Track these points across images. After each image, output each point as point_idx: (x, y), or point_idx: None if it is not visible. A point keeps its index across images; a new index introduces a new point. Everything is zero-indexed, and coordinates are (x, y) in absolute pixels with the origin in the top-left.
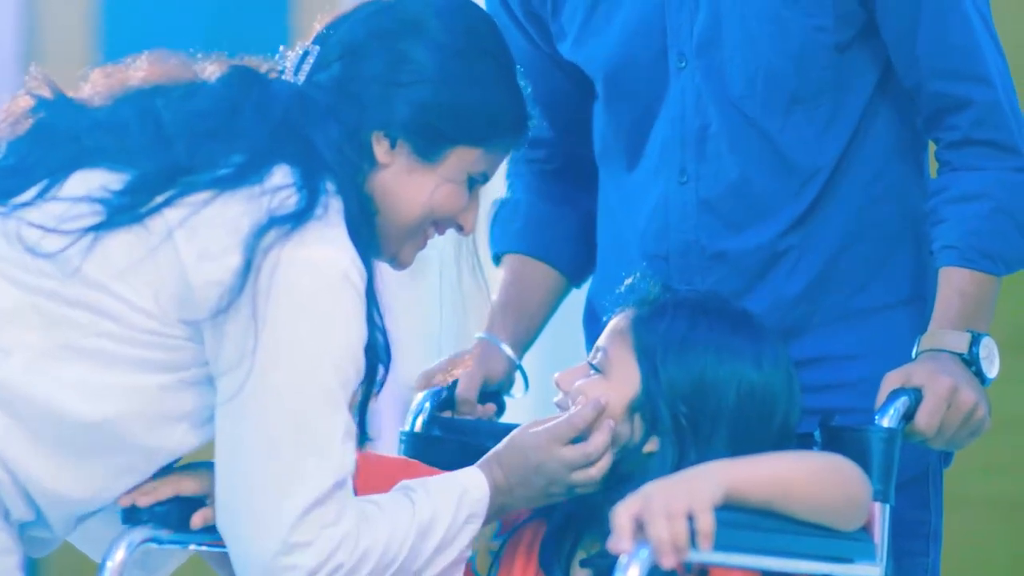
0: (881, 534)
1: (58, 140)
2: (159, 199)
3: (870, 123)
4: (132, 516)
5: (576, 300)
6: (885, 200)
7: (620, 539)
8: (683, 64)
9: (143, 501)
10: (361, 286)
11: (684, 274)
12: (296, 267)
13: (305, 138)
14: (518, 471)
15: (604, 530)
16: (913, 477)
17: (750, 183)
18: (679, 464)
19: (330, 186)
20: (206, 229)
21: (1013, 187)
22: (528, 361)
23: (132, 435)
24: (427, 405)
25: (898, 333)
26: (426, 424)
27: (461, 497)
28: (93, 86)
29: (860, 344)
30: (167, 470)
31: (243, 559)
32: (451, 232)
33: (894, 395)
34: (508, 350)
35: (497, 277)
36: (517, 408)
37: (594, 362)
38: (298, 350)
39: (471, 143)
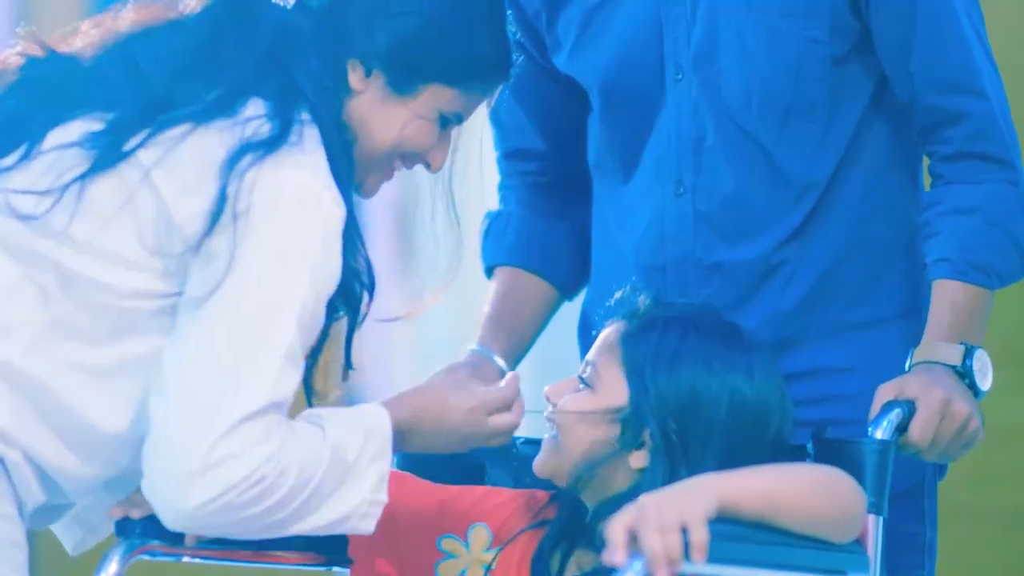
0: (875, 546)
1: (43, 95)
2: (138, 138)
3: (865, 136)
4: (125, 528)
5: (570, 311)
6: (880, 213)
7: (614, 552)
8: (680, 76)
9: (135, 513)
10: (336, 212)
11: (680, 286)
12: (271, 188)
13: (286, 71)
14: (430, 410)
15: (597, 544)
16: (908, 489)
17: (746, 195)
18: (670, 479)
19: (305, 116)
20: (183, 164)
21: (1007, 200)
22: (521, 372)
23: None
24: None
25: (893, 346)
26: None
27: (367, 432)
28: (84, 38)
29: (855, 357)
30: None
31: (167, 465)
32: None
33: (888, 407)
34: (500, 362)
35: (489, 289)
36: None
37: (584, 376)
38: (264, 267)
39: (447, 82)
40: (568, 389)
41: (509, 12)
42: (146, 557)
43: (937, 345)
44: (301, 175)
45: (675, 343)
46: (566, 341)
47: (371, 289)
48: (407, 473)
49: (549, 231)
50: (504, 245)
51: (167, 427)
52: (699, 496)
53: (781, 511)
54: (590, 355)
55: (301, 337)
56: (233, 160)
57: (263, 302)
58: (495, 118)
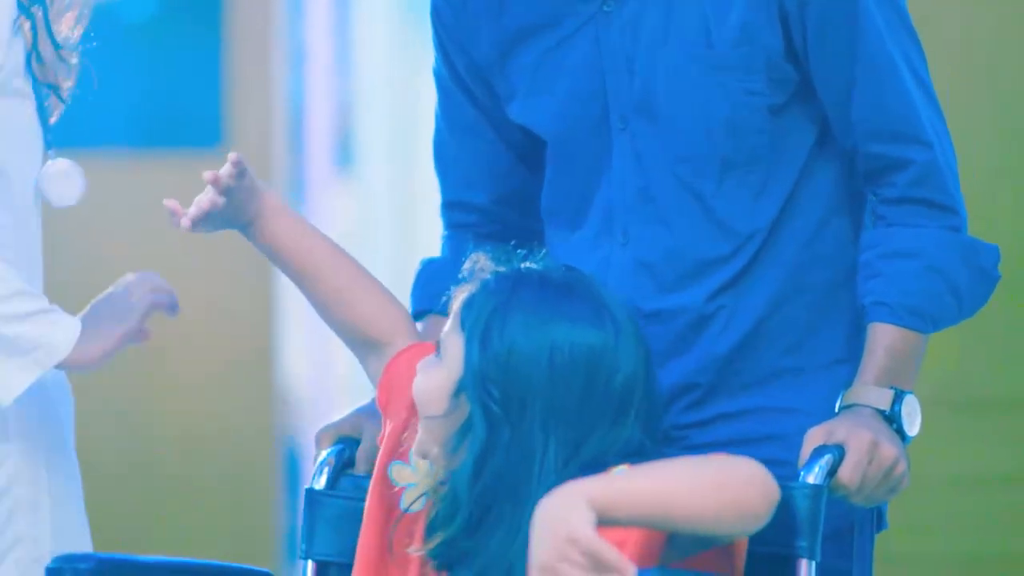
0: None
1: None
2: None
3: (808, 183)
4: (55, 575)
5: None
6: (821, 260)
7: None
8: (623, 126)
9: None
10: None
11: None
12: None
13: None
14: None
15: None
16: (839, 530)
17: (685, 246)
18: (491, 444)
19: None
20: None
21: (947, 246)
22: None
23: None
24: (332, 461)
25: (832, 389)
26: (329, 482)
27: None
28: None
29: (791, 398)
30: None
31: None
32: None
33: (818, 452)
34: None
35: None
36: None
37: (439, 350)
38: None
39: None
40: (427, 363)
41: (460, 62)
42: None
43: (867, 388)
44: None
45: (500, 303)
46: None
47: None
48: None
49: None
50: (431, 292)
51: None
52: (573, 513)
53: (664, 514)
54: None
55: None
56: None
57: None
58: (440, 167)
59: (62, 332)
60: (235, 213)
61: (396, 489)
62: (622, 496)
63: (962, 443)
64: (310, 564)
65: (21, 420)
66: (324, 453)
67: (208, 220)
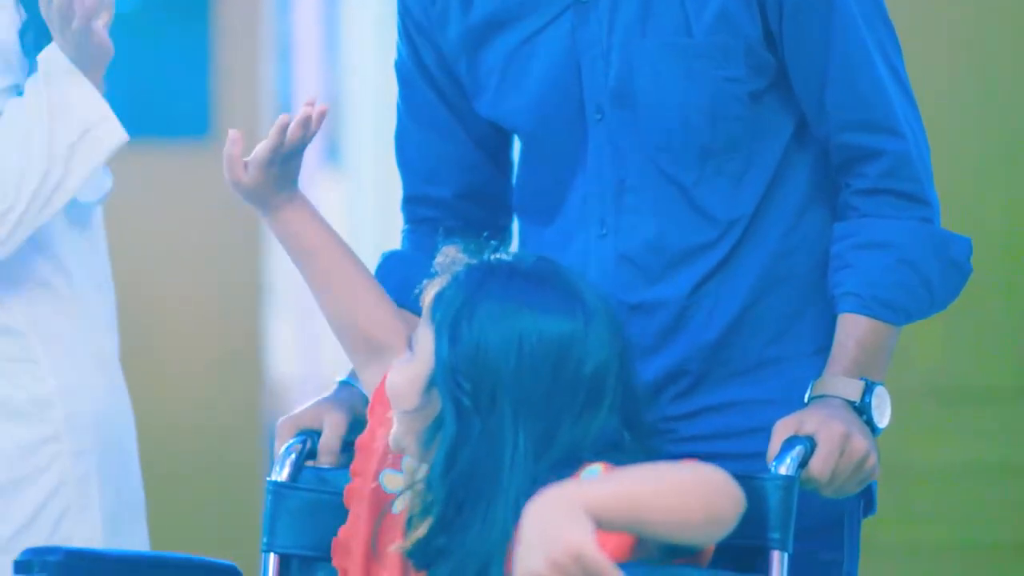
0: None
1: None
2: None
3: (787, 173)
4: (24, 568)
5: None
6: (802, 248)
7: None
8: (600, 116)
9: None
10: None
11: None
12: None
13: None
14: None
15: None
16: (829, 521)
17: (667, 236)
18: (463, 438)
19: None
20: None
21: (919, 238)
22: None
23: None
24: (294, 454)
25: (812, 380)
26: (292, 474)
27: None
28: None
29: (774, 390)
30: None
31: None
32: None
33: (789, 443)
34: (369, 396)
35: None
36: None
37: (412, 345)
38: None
39: None
40: (401, 359)
41: (428, 56)
42: None
43: (837, 379)
44: None
45: (468, 295)
46: None
47: None
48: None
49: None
50: (390, 285)
51: None
52: (575, 525)
53: (643, 520)
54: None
55: None
56: None
57: None
58: (402, 161)
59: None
60: (275, 185)
61: (389, 496)
62: (615, 502)
63: (950, 433)
64: (272, 557)
65: (72, 423)
66: (285, 445)
67: (264, 171)
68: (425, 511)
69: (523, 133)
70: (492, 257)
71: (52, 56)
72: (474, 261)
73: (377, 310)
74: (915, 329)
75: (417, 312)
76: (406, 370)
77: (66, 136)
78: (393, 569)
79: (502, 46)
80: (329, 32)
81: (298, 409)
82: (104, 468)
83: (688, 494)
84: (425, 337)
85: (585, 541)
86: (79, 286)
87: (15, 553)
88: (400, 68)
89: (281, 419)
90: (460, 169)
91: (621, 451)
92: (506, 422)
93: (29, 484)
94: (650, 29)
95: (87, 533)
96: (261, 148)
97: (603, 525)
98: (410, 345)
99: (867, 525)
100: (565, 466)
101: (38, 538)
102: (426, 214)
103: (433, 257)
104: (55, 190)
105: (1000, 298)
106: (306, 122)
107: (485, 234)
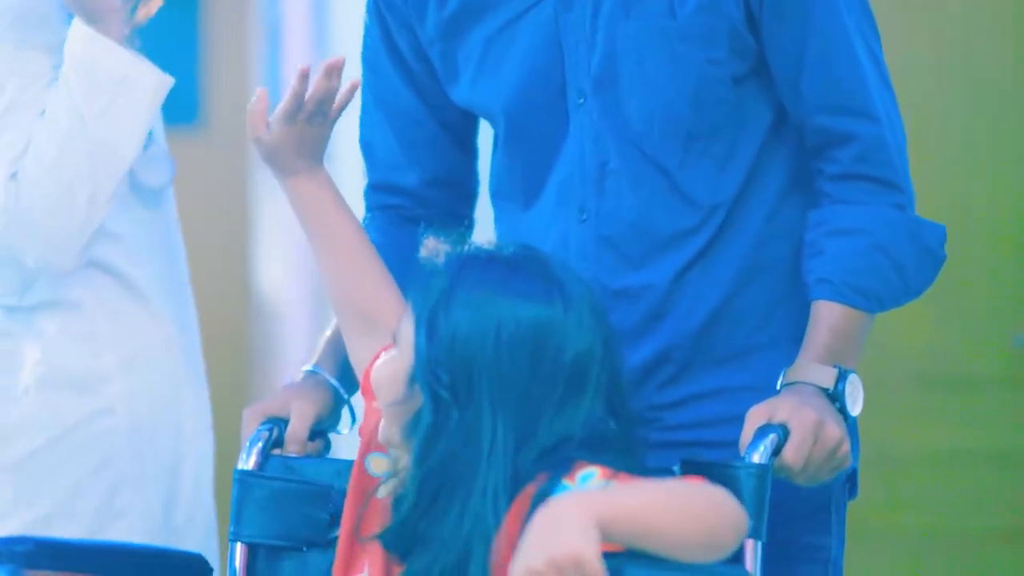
0: (754, 571)
1: None
2: None
3: (768, 159)
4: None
5: None
6: (783, 235)
7: None
8: (582, 101)
9: None
10: None
11: None
12: None
13: None
14: None
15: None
16: (816, 507)
17: (649, 220)
18: (436, 432)
19: None
20: None
21: (893, 224)
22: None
23: None
24: (261, 442)
25: None
26: (259, 463)
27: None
28: None
29: (761, 376)
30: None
31: None
32: None
33: (762, 431)
34: (337, 385)
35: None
36: (346, 443)
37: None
38: None
39: None
40: (386, 352)
41: (403, 40)
42: None
43: (810, 366)
44: None
45: (446, 286)
46: None
47: None
48: None
49: (403, 265)
50: None
51: None
52: (584, 534)
53: (646, 539)
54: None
55: None
56: None
57: None
58: (367, 149)
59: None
60: (297, 148)
61: (374, 479)
62: (625, 519)
63: (936, 420)
64: (239, 546)
65: (129, 399)
66: (252, 433)
67: (286, 128)
68: (400, 500)
69: (501, 118)
70: (472, 246)
71: (71, 34)
72: (454, 251)
73: (382, 290)
74: (902, 317)
75: None
76: (389, 363)
77: (99, 102)
78: (375, 555)
79: (481, 31)
80: (319, 20)
81: (265, 398)
82: (157, 442)
83: (694, 519)
84: (406, 330)
85: (589, 550)
86: (144, 266)
87: (66, 518)
88: (368, 55)
89: (247, 408)
90: (427, 155)
91: (609, 444)
92: (484, 412)
93: (83, 453)
94: (634, 11)
95: (142, 509)
96: (284, 101)
97: (607, 537)
98: (395, 339)
99: (854, 511)
100: (553, 460)
101: (87, 507)
102: (390, 201)
103: (398, 244)
104: (113, 160)
105: (987, 285)
106: (330, 71)
107: (466, 223)
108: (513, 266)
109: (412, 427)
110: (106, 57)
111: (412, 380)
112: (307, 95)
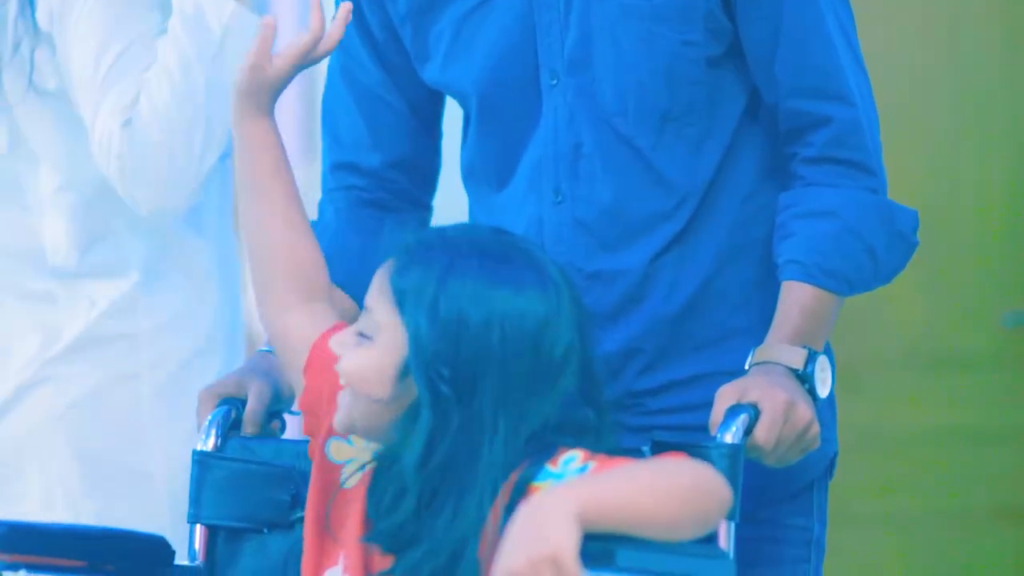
0: (727, 551)
1: None
2: None
3: (743, 142)
4: None
5: None
6: (760, 217)
7: None
8: (555, 82)
9: None
10: None
11: None
12: None
13: None
14: None
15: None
16: (798, 488)
17: (625, 202)
18: (438, 434)
19: None
20: None
21: (865, 207)
22: None
23: None
24: (218, 423)
25: None
26: (219, 445)
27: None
28: None
29: (742, 361)
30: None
31: None
32: None
33: (733, 411)
34: None
35: None
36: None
37: (363, 328)
38: None
39: None
40: (351, 342)
41: (374, 17)
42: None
43: (780, 347)
44: None
45: (440, 275)
46: None
47: None
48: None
49: (362, 248)
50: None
51: None
52: (562, 530)
53: (632, 525)
54: (367, 300)
55: None
56: None
57: None
58: (330, 128)
59: None
60: (278, 88)
61: (336, 466)
62: (610, 508)
63: (926, 400)
64: (199, 528)
65: (156, 366)
66: (210, 415)
67: (292, 68)
68: (397, 501)
69: (473, 99)
70: (450, 233)
71: None
72: (423, 235)
73: (314, 256)
74: (892, 296)
75: (343, 283)
76: (369, 355)
77: (208, 49)
78: (351, 547)
79: (454, 10)
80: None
81: (220, 378)
82: (159, 401)
83: (680, 500)
84: (390, 323)
85: (566, 547)
86: (190, 235)
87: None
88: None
89: (203, 389)
90: (392, 137)
91: (588, 429)
92: (486, 410)
93: (106, 412)
94: None
95: (149, 468)
96: (300, 42)
97: (592, 528)
98: (363, 333)
99: (843, 492)
100: (535, 447)
101: (111, 466)
102: (350, 182)
103: (356, 227)
104: (222, 104)
105: (976, 264)
106: (346, 17)
107: (424, 210)
108: (501, 255)
109: (404, 424)
110: (212, 6)
111: (404, 374)
112: (326, 34)
